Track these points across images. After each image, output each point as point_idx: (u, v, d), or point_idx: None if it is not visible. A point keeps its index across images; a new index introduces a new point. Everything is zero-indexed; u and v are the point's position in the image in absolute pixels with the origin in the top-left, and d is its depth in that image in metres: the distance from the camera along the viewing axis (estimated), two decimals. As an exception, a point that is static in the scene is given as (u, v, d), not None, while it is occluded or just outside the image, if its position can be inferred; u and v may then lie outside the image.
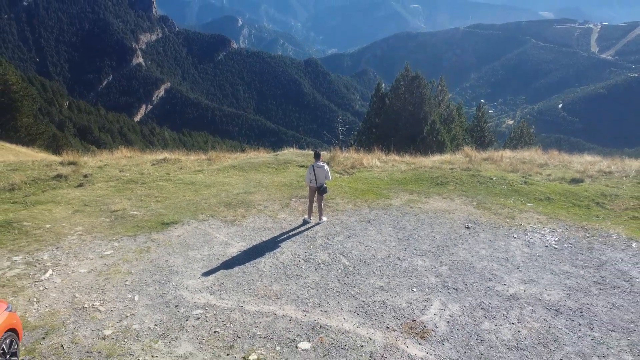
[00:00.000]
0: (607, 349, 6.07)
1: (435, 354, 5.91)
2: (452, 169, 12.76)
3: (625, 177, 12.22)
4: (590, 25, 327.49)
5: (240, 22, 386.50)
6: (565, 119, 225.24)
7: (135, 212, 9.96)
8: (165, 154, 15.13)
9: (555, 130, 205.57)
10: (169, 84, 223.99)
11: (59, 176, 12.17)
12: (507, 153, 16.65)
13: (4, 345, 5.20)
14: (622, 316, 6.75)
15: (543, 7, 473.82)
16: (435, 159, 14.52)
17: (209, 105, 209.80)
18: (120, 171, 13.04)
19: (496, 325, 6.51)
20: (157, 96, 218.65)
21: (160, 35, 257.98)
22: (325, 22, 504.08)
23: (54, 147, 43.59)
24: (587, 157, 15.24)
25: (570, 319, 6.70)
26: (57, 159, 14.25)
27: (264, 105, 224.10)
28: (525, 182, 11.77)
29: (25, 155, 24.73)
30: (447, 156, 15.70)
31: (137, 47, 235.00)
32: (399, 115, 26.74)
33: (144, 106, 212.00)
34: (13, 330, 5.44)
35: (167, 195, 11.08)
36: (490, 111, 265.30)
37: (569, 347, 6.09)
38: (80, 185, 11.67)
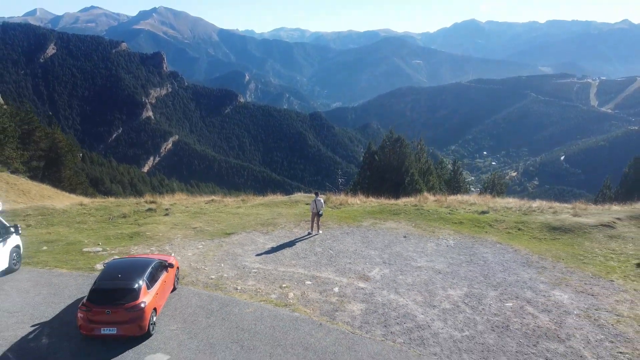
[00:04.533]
0: (457, 285, 12.89)
1: (372, 286, 12.77)
2: (405, 205, 19.93)
3: (518, 210, 19.29)
4: (589, 80, 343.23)
5: (247, 77, 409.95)
6: (568, 170, 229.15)
7: (207, 228, 17.11)
8: (213, 197, 22.48)
9: (558, 182, 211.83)
10: (176, 136, 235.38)
11: (150, 209, 19.43)
12: (457, 197, 23.79)
13: (176, 272, 12.18)
14: (471, 275, 13.60)
15: (542, 63, 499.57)
16: (399, 201, 21.71)
17: (216, 157, 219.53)
18: (186, 207, 20.28)
19: (405, 277, 13.38)
20: (165, 148, 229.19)
21: (170, 90, 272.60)
22: (329, 77, 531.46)
23: (85, 195, 51.11)
24: (508, 199, 22.36)
25: (444, 275, 13.56)
26: (142, 199, 21.57)
27: (270, 157, 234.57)
28: (450, 213, 18.87)
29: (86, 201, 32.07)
30: (411, 198, 22.88)
31: (147, 101, 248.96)
32: (385, 169, 34.22)
33: (152, 158, 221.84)
34: (177, 268, 12.46)
35: (223, 220, 18.25)
36: (493, 163, 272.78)
37: (438, 284, 12.93)
38: (166, 214, 18.88)
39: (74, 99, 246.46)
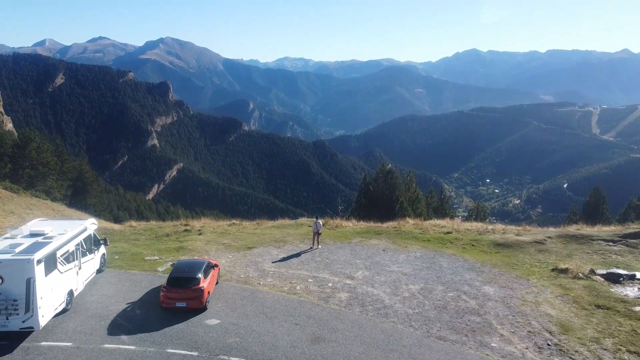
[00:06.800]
0: (416, 282, 18.39)
1: (355, 283, 18.31)
2: (387, 227, 25.55)
3: (476, 231, 24.85)
4: (590, 109, 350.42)
5: (251, 105, 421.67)
6: (571, 198, 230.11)
7: (234, 244, 22.78)
8: (234, 221, 28.23)
9: (561, 209, 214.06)
10: (181, 164, 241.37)
11: (186, 230, 25.16)
12: (432, 221, 29.40)
13: (219, 271, 17.78)
14: (428, 276, 19.12)
15: (543, 91, 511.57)
16: (384, 224, 27.35)
17: (220, 184, 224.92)
18: (213, 229, 25.97)
19: (380, 277, 18.91)
20: (169, 176, 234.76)
21: (175, 118, 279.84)
22: (333, 105, 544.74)
23: (107, 220, 56.62)
24: (474, 223, 27.93)
25: (408, 276, 19.08)
26: (178, 222, 27.31)
27: (273, 184, 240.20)
28: (421, 233, 24.48)
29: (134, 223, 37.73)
30: (393, 222, 28.50)
31: (152, 129, 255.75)
32: (378, 198, 39.94)
33: (156, 185, 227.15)
34: (219, 268, 18.07)
35: (245, 238, 23.92)
36: (496, 190, 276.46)
37: (403, 282, 18.45)
38: (200, 234, 24.58)
39: (81, 127, 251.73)
